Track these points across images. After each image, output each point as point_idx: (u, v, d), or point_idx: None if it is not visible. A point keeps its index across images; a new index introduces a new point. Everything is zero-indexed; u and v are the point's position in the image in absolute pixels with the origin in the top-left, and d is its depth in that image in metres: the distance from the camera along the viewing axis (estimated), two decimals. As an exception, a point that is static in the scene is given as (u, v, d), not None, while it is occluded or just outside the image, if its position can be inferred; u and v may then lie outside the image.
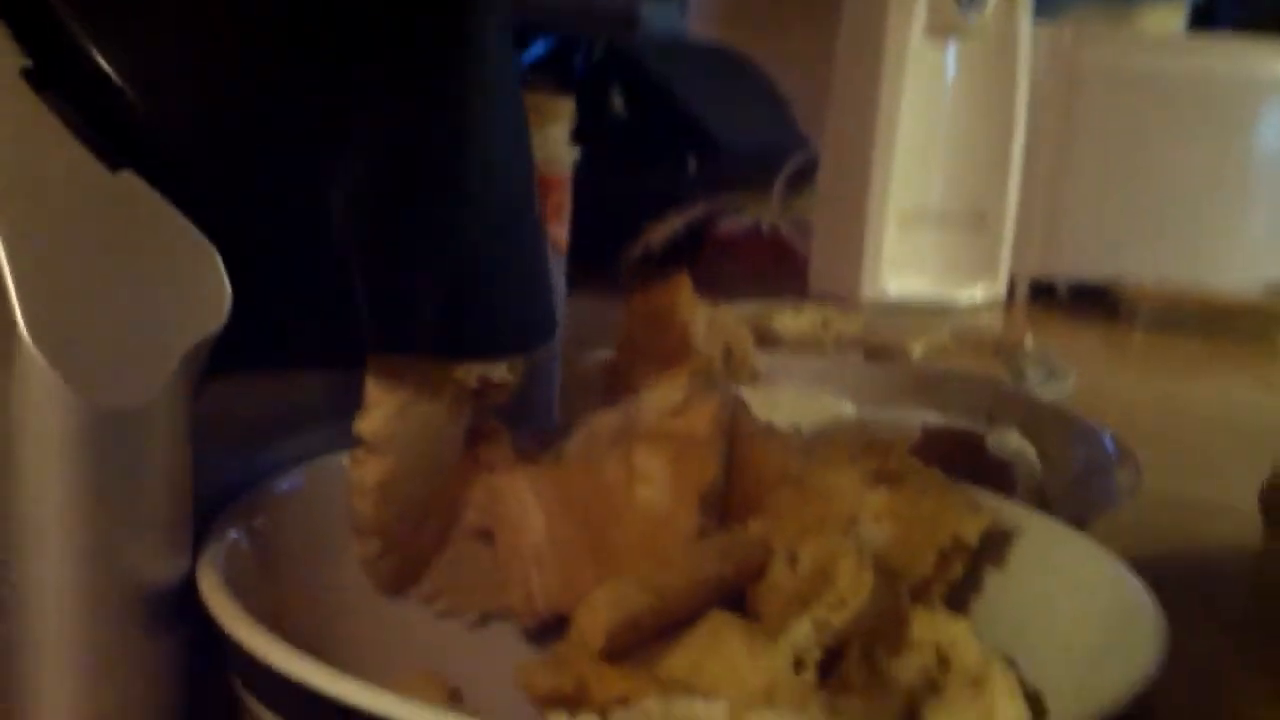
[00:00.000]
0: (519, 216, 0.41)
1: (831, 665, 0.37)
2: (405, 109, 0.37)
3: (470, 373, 0.38)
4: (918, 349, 0.97)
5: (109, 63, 0.33)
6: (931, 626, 0.39)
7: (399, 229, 0.37)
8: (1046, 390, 0.89)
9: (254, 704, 0.33)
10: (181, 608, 0.34)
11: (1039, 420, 0.67)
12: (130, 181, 0.32)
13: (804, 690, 0.35)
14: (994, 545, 0.41)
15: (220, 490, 0.39)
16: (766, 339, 0.96)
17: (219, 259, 0.33)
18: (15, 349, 0.30)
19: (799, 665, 0.36)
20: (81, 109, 0.33)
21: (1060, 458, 0.64)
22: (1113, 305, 1.27)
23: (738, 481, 0.42)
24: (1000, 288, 1.28)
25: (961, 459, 0.56)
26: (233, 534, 0.37)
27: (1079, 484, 0.63)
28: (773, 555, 0.39)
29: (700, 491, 0.40)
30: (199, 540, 0.35)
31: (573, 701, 0.35)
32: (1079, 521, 0.56)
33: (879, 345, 0.98)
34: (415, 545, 0.40)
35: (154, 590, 0.33)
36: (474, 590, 0.42)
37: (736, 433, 0.42)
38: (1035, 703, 0.38)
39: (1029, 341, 1.00)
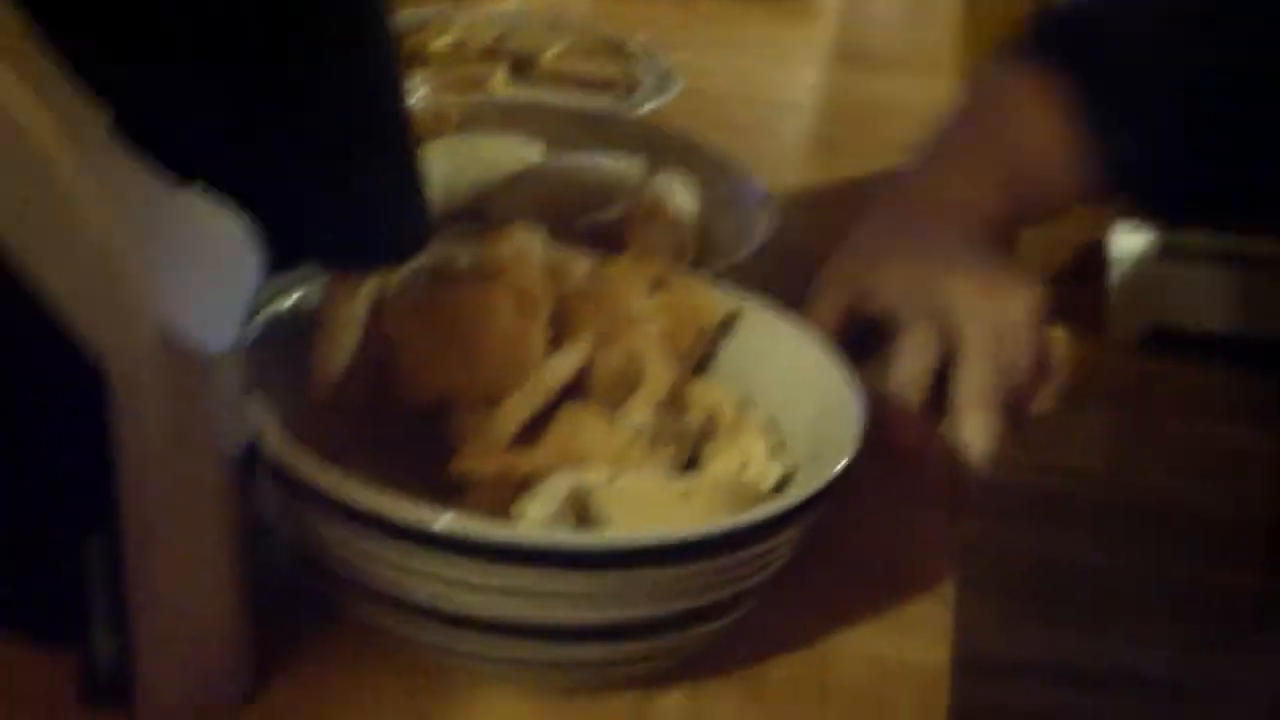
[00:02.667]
0: (380, 128, 0.54)
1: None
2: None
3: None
4: (549, 54, 1.14)
5: None
6: (703, 391, 0.59)
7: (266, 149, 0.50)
8: (660, 96, 1.09)
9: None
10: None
11: (693, 158, 0.87)
12: (195, 194, 0.46)
13: (642, 453, 0.55)
14: (732, 326, 0.62)
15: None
16: (421, 57, 1.11)
17: (253, 230, 0.48)
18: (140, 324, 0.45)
19: (638, 434, 0.56)
20: None
21: (712, 191, 0.84)
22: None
23: (553, 298, 0.60)
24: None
25: (612, 242, 0.74)
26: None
27: (731, 217, 0.83)
28: (594, 356, 0.58)
29: (542, 317, 0.58)
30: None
31: (498, 481, 0.54)
32: (734, 248, 0.77)
33: (516, 52, 1.14)
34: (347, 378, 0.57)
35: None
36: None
37: (548, 264, 0.60)
38: (777, 435, 0.59)
39: (636, 43, 1.18)
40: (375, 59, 0.52)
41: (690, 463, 0.59)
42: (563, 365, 0.58)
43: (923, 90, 1.23)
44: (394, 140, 0.54)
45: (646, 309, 0.60)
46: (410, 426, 0.57)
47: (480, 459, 0.55)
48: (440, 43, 1.12)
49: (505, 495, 0.54)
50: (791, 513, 0.51)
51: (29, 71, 0.43)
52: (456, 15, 1.18)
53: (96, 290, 0.44)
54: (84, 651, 0.50)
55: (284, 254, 0.50)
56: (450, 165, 0.86)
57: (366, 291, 0.55)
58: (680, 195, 0.81)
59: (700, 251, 0.79)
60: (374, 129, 0.53)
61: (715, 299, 0.62)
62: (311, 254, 0.53)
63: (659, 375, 0.57)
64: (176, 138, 0.47)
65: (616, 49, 1.17)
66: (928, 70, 1.28)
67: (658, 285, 0.61)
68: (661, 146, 0.88)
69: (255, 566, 0.50)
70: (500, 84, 1.09)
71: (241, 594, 0.50)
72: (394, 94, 0.54)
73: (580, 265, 0.61)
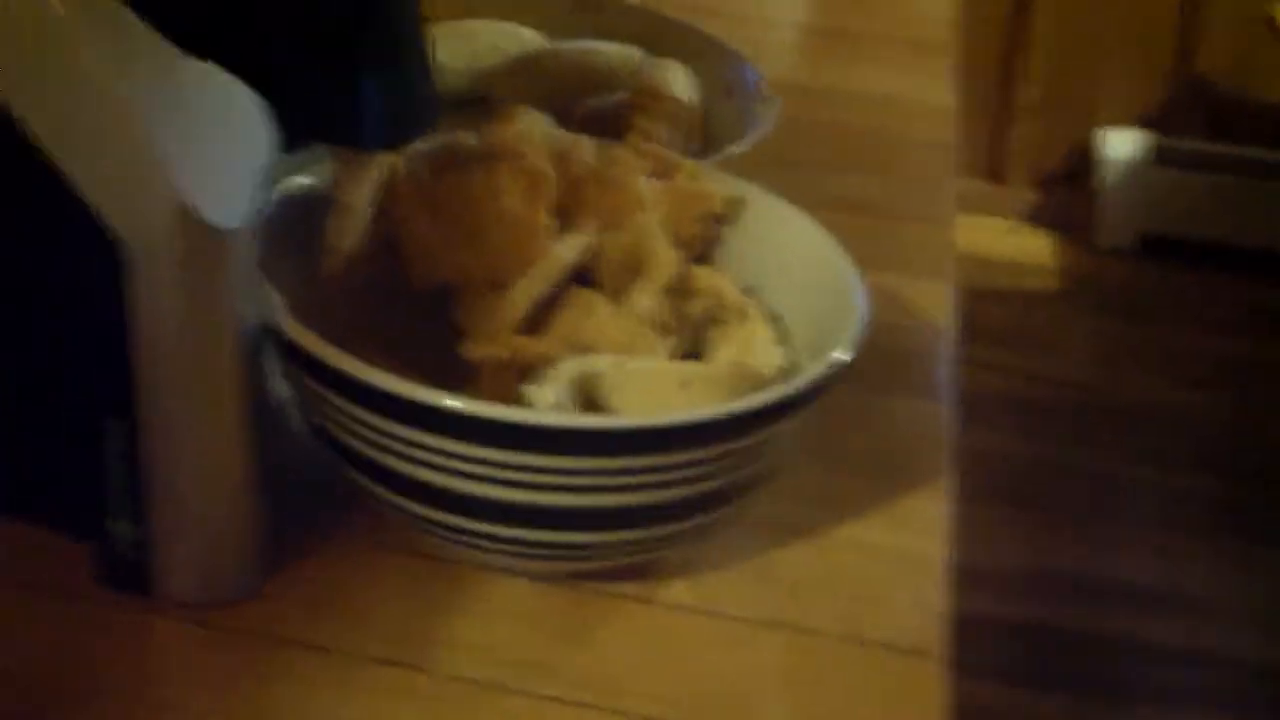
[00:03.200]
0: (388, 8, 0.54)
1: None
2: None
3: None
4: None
5: None
6: (707, 279, 0.59)
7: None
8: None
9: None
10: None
11: (692, 46, 0.86)
12: (209, 69, 0.46)
13: (650, 339, 0.56)
14: (734, 213, 0.62)
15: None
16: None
17: (265, 108, 0.47)
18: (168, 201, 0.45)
19: (642, 321, 0.56)
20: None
21: (712, 79, 0.84)
22: None
23: (561, 177, 0.60)
24: None
25: (616, 127, 0.74)
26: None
27: (730, 101, 0.83)
28: (601, 239, 0.58)
29: (545, 199, 0.58)
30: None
31: (508, 364, 0.54)
32: (734, 138, 0.77)
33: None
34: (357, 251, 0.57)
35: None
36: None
37: (553, 148, 0.60)
38: (780, 325, 0.59)
39: None
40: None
41: (695, 349, 0.59)
42: (569, 250, 0.57)
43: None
44: (402, 21, 0.54)
45: (651, 194, 0.60)
46: (419, 310, 0.57)
47: (488, 343, 0.55)
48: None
49: (513, 379, 0.55)
50: (790, 400, 0.51)
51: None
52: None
53: (115, 165, 0.44)
54: (102, 537, 0.51)
55: (293, 133, 0.50)
56: (450, 49, 0.85)
57: (375, 173, 0.55)
58: (680, 82, 0.80)
59: (702, 140, 0.79)
60: (382, 8, 0.53)
61: (718, 186, 0.61)
62: (320, 134, 0.52)
63: (664, 261, 0.57)
64: (190, 12, 0.46)
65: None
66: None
67: (661, 171, 0.61)
68: (660, 33, 0.87)
69: (268, 453, 0.50)
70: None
71: (257, 478, 0.50)
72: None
73: (585, 149, 0.61)
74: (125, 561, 0.51)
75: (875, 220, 0.83)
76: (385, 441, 0.49)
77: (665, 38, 0.87)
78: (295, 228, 0.55)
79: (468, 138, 0.60)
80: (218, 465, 0.49)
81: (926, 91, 1.01)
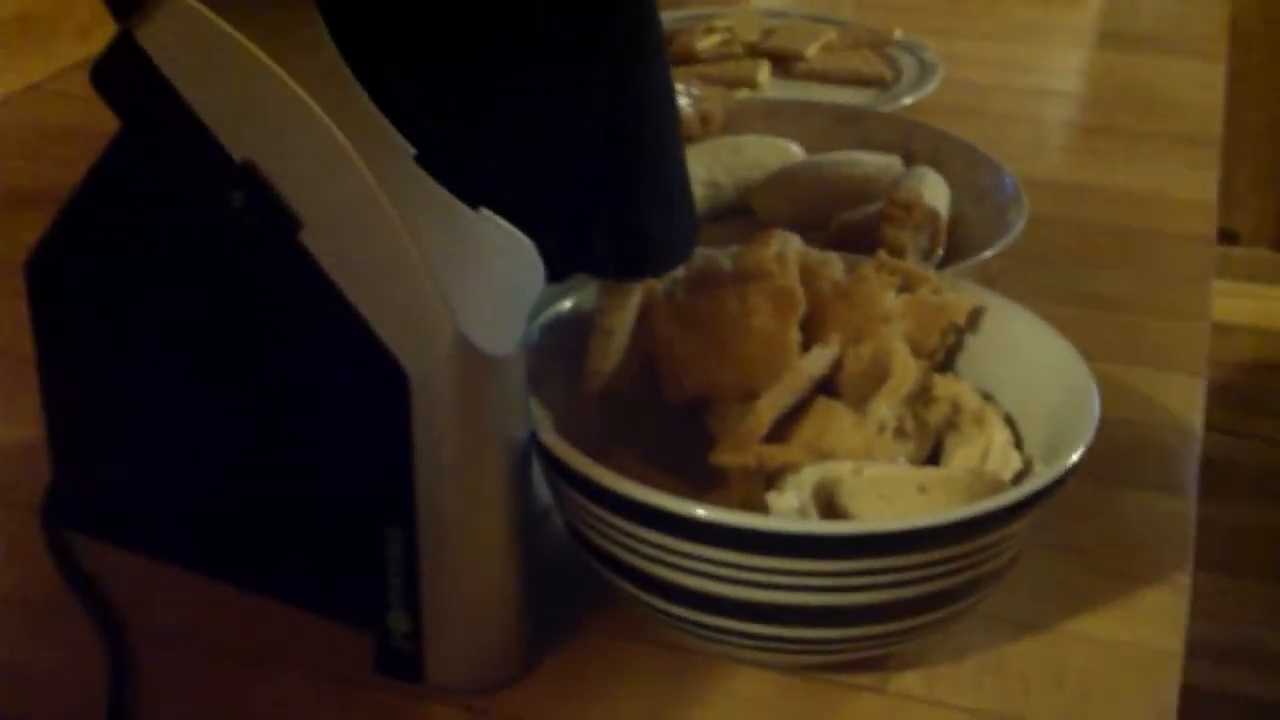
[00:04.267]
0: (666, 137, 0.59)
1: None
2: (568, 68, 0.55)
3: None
4: (811, 50, 1.18)
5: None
6: (947, 386, 0.63)
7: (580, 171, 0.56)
8: (921, 88, 1.12)
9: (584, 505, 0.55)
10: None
11: (948, 152, 0.90)
12: (485, 215, 0.53)
13: (888, 446, 0.59)
14: (975, 322, 0.65)
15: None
16: (689, 56, 1.16)
17: (534, 246, 0.54)
18: (449, 340, 0.51)
19: (882, 429, 0.60)
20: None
21: (966, 184, 0.87)
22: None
23: (809, 294, 0.64)
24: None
25: (866, 237, 0.78)
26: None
27: (982, 208, 0.86)
28: (845, 353, 0.63)
29: (796, 317, 0.62)
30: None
31: (754, 471, 0.59)
32: (985, 242, 0.80)
33: (779, 49, 1.18)
34: (619, 373, 0.62)
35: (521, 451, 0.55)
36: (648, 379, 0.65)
37: (804, 265, 0.65)
38: (1017, 427, 0.62)
39: (898, 34, 1.21)
40: (650, 72, 0.56)
41: (935, 454, 0.62)
42: (815, 363, 0.62)
43: (1193, 74, 1.22)
44: (667, 151, 0.58)
45: (895, 308, 0.64)
46: (673, 422, 0.62)
47: (736, 451, 0.59)
48: (706, 42, 1.17)
49: (759, 486, 0.59)
50: (1023, 502, 0.54)
51: (347, 102, 0.49)
52: (722, 14, 1.23)
53: (400, 297, 0.51)
54: (380, 629, 0.57)
55: (560, 265, 0.56)
56: (717, 164, 0.91)
57: (635, 300, 0.60)
58: (933, 190, 0.84)
59: (951, 245, 0.82)
60: (649, 141, 0.57)
61: (961, 297, 0.65)
62: (589, 265, 0.58)
63: (905, 371, 0.61)
64: (470, 165, 0.53)
65: (879, 42, 1.20)
66: (1199, 54, 1.27)
67: (906, 285, 0.65)
68: (917, 140, 0.91)
69: (532, 554, 0.56)
70: (764, 82, 1.14)
71: (521, 578, 0.56)
72: (667, 105, 0.58)
73: (834, 267, 0.65)
74: (400, 652, 0.57)
75: (1128, 315, 0.84)
76: (635, 545, 0.54)
77: (922, 145, 0.91)
78: (562, 347, 0.61)
79: (722, 260, 0.65)
80: (486, 566, 0.55)
81: (1191, 185, 1.01)
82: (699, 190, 0.88)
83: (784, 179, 0.89)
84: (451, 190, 0.53)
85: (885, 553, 0.53)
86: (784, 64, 1.16)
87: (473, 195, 0.53)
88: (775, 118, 0.96)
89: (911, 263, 0.76)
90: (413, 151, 0.52)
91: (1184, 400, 0.75)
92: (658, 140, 0.58)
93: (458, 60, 0.52)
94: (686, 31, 1.18)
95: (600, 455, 0.55)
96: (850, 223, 0.81)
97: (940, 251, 0.81)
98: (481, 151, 0.54)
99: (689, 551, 0.53)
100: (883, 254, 0.67)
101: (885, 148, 0.92)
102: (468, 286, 0.52)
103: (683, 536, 0.53)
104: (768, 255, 0.64)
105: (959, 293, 0.65)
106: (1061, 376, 0.62)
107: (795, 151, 0.92)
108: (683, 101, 0.93)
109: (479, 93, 0.53)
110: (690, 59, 1.14)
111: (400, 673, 0.57)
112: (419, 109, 0.52)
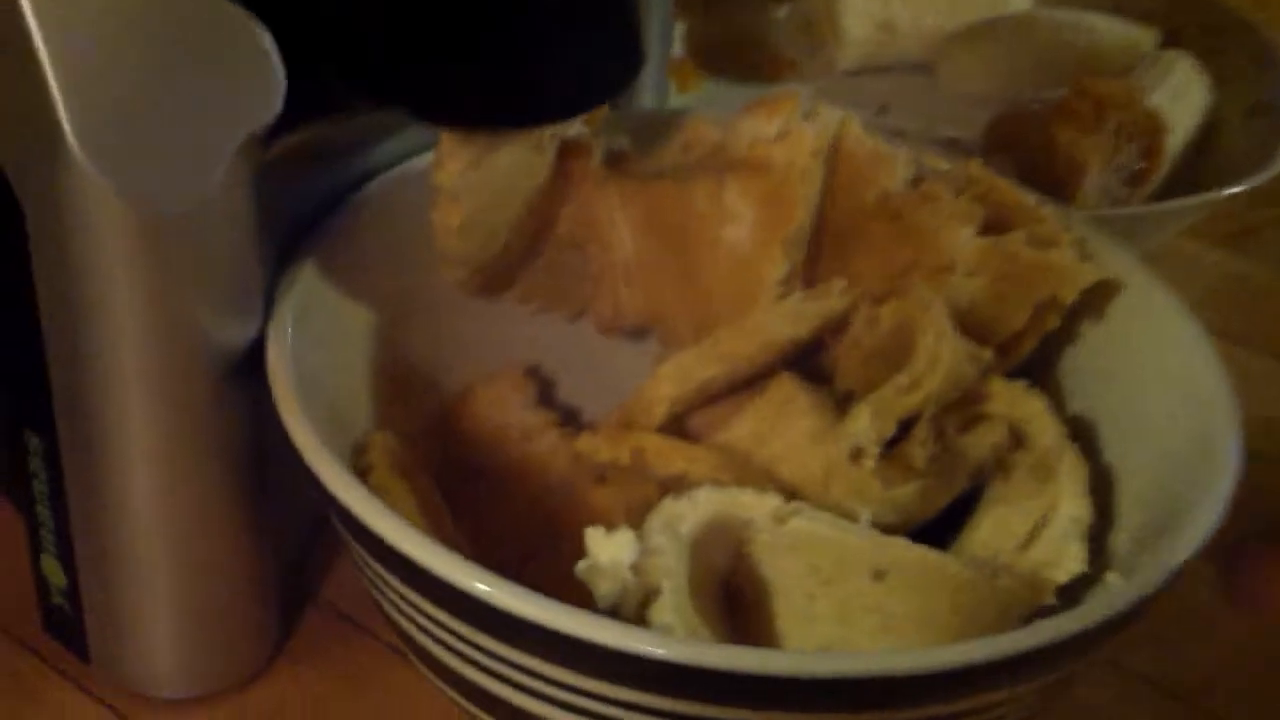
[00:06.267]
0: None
1: (900, 438, 0.36)
2: None
3: (543, 130, 0.37)
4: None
5: None
6: (1009, 400, 0.38)
7: None
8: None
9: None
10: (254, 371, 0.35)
11: (1229, 38, 0.62)
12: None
13: (860, 481, 0.35)
14: (1092, 303, 0.39)
15: (315, 206, 0.39)
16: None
17: (273, 47, 0.32)
18: (64, 160, 0.30)
19: (858, 454, 0.35)
20: None
21: (1241, 89, 0.60)
22: None
23: (839, 204, 0.40)
24: None
25: (1034, 140, 0.52)
26: (310, 268, 0.37)
27: (1254, 117, 0.59)
28: (855, 311, 0.38)
29: (784, 238, 0.38)
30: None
31: (630, 472, 0.36)
32: (1240, 172, 0.53)
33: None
34: (503, 261, 0.40)
35: (228, 357, 0.34)
36: (566, 293, 0.42)
37: (841, 153, 0.40)
38: (1106, 486, 0.37)
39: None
40: None
41: (964, 501, 0.38)
42: (798, 317, 0.38)
43: None
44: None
45: (966, 253, 0.39)
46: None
47: (609, 437, 0.37)
48: None
49: (646, 496, 0.36)
50: (1032, 655, 0.30)
51: None
52: None
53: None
54: (38, 578, 0.38)
55: (371, 93, 0.35)
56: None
57: (547, 141, 0.38)
58: (1177, 89, 0.57)
59: (1189, 173, 0.56)
60: None
61: (1090, 261, 0.39)
62: (416, 99, 0.35)
63: (932, 362, 0.36)
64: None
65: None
66: None
67: (1000, 221, 0.40)
68: (1188, 13, 0.63)
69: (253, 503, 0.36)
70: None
71: (230, 542, 0.36)
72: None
73: (893, 169, 0.41)
74: (64, 614, 0.39)
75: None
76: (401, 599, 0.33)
77: (1194, 21, 0.63)
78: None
79: (710, 126, 0.41)
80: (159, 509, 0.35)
81: None
82: (858, 29, 0.63)
83: (979, 36, 0.63)
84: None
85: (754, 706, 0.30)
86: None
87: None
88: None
89: (1094, 187, 0.50)
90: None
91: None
92: None
93: None
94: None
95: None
96: (1024, 115, 0.55)
97: (1156, 179, 0.54)
98: None
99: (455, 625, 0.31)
100: (976, 165, 0.41)
101: (1145, 16, 0.64)
102: (109, 83, 0.30)
103: (459, 615, 0.31)
104: (767, 131, 0.40)
105: (1093, 252, 0.40)
106: (1193, 409, 0.36)
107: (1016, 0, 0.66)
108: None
109: None
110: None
111: (67, 642, 0.39)
112: None
